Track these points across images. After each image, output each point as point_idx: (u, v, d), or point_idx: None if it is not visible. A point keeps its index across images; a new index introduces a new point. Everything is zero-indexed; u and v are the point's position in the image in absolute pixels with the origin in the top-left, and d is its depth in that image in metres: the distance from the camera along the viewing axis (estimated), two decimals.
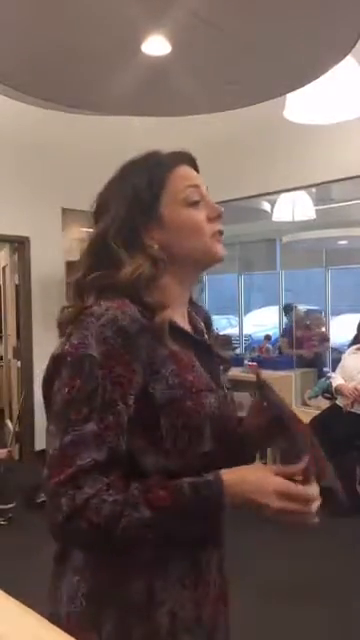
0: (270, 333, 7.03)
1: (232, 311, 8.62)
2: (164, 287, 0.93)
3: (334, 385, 4.14)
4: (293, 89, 3.02)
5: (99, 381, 0.81)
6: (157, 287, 0.92)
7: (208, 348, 1.01)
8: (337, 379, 4.13)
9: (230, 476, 0.83)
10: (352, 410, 3.90)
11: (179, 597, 0.89)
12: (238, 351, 7.32)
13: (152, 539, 0.80)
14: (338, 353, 5.12)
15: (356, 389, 3.89)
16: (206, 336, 1.05)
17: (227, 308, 9.00)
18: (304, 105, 3.30)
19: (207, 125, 3.84)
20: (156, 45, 2.33)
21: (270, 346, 6.50)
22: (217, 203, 0.99)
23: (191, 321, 1.03)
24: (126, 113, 3.31)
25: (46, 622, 0.70)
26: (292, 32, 2.28)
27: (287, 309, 6.52)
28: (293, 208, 5.24)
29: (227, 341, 7.31)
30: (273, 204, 5.59)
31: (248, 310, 8.58)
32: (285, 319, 6.64)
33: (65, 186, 5.04)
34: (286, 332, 6.24)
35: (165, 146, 1.00)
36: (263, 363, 5.23)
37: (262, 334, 7.08)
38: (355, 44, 2.38)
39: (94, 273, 0.91)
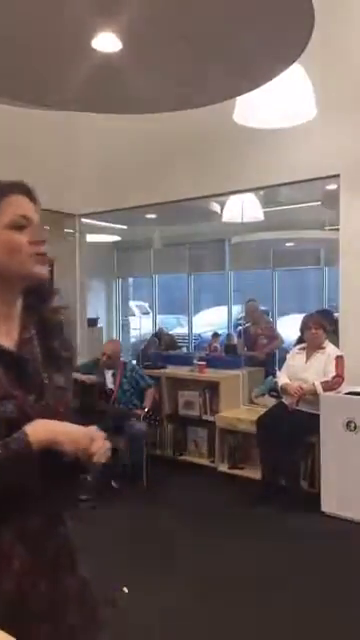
0: (219, 331, 7.10)
1: (182, 310, 8.66)
2: None
3: (279, 384, 4.23)
4: (243, 92, 3.07)
5: None
6: None
7: (16, 357, 1.07)
8: (282, 378, 4.22)
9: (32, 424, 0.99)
10: (297, 408, 4.00)
11: None
12: (187, 350, 7.36)
13: None
14: (285, 352, 5.23)
15: (300, 388, 3.99)
16: (35, 344, 1.11)
17: (177, 307, 9.04)
18: (252, 109, 3.36)
19: (157, 125, 3.84)
20: (106, 42, 2.31)
21: (218, 345, 6.56)
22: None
23: (21, 333, 1.11)
24: (76, 109, 3.28)
25: None
26: (243, 35, 2.32)
27: (248, 302, 6.46)
28: (242, 210, 5.32)
29: (171, 341, 7.32)
30: (223, 205, 5.65)
31: (198, 310, 8.65)
32: (238, 320, 6.70)
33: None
34: (240, 334, 6.30)
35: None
36: (212, 362, 5.28)
37: (211, 333, 7.15)
38: (303, 50, 2.44)
39: None
